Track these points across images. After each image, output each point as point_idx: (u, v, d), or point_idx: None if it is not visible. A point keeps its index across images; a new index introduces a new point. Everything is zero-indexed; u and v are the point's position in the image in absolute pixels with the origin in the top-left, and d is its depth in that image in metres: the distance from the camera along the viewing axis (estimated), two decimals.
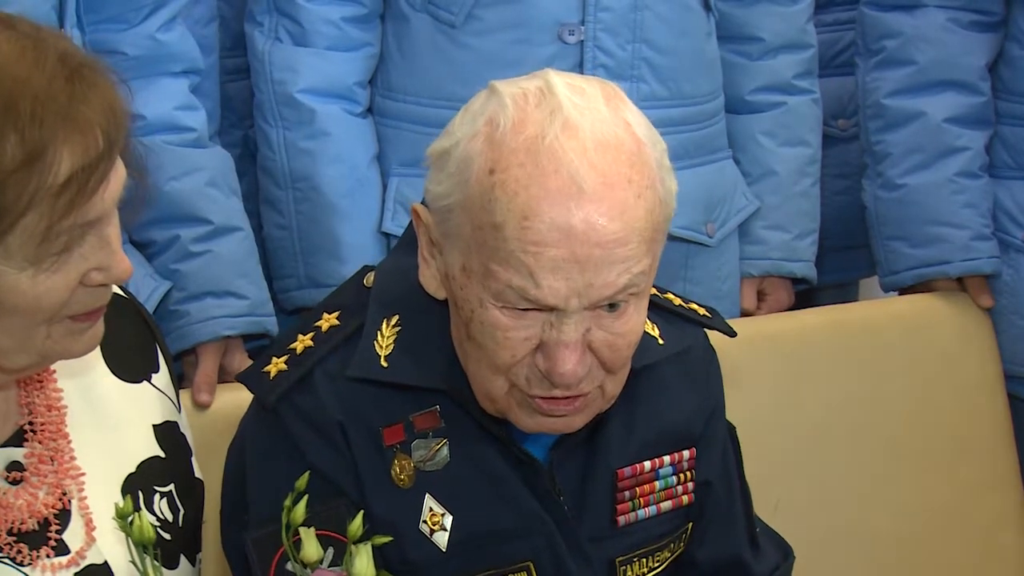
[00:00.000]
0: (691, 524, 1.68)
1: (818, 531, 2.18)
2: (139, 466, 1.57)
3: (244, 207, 2.10)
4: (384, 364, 1.55)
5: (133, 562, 1.42)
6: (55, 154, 1.31)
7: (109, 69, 1.38)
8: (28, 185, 1.30)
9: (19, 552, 1.45)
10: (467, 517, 1.56)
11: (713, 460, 1.68)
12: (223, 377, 2.01)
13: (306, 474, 1.44)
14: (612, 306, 1.45)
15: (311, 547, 1.42)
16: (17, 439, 1.49)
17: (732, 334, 1.71)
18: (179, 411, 1.66)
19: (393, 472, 1.55)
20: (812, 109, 2.37)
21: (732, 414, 1.74)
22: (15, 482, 1.48)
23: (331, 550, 1.46)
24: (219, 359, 2.01)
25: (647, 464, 1.62)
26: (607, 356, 1.47)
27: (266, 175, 2.19)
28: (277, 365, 1.57)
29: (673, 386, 1.64)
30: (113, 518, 1.43)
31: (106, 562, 1.49)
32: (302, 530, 1.42)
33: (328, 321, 1.59)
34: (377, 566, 1.41)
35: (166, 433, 1.61)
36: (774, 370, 2.23)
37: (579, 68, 2.11)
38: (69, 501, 1.49)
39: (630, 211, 1.42)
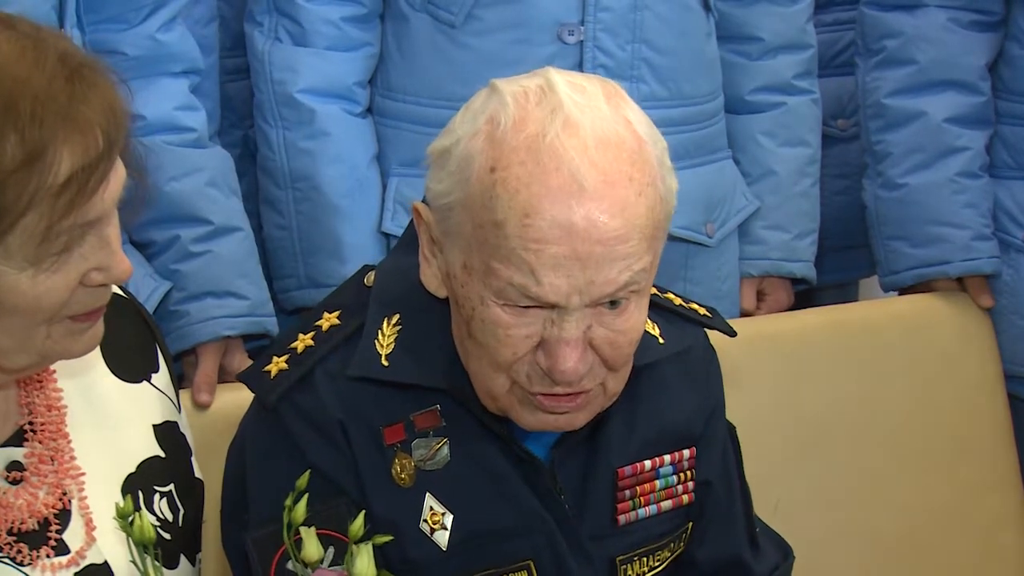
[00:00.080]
0: (691, 524, 1.68)
1: (818, 531, 2.18)
2: (139, 466, 1.57)
3: (244, 207, 2.10)
4: (385, 363, 1.55)
5: (133, 562, 1.42)
6: (55, 154, 1.31)
7: (109, 69, 1.38)
8: (28, 185, 1.30)
9: (19, 552, 1.45)
10: (468, 516, 1.56)
11: (713, 460, 1.68)
12: (223, 377, 2.01)
13: (307, 473, 1.44)
14: (613, 303, 1.45)
15: (312, 547, 1.42)
16: (17, 439, 1.49)
17: (732, 334, 1.71)
18: (179, 411, 1.66)
19: (394, 471, 1.55)
20: (812, 109, 2.37)
21: (732, 414, 1.74)
22: (15, 482, 1.48)
23: (331, 549, 1.46)
24: (219, 359, 2.01)
25: (647, 463, 1.62)
26: (608, 353, 1.47)
27: (266, 175, 2.19)
28: (278, 364, 1.57)
29: (673, 385, 1.65)
30: (113, 518, 1.42)
31: (106, 562, 1.50)
32: (303, 530, 1.42)
33: (329, 320, 1.60)
34: (378, 565, 1.41)
35: (166, 433, 1.61)
36: (774, 370, 2.23)
37: (579, 68, 2.11)
38: (69, 501, 1.49)
39: (631, 208, 1.42)
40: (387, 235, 2.17)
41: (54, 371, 1.53)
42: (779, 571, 1.74)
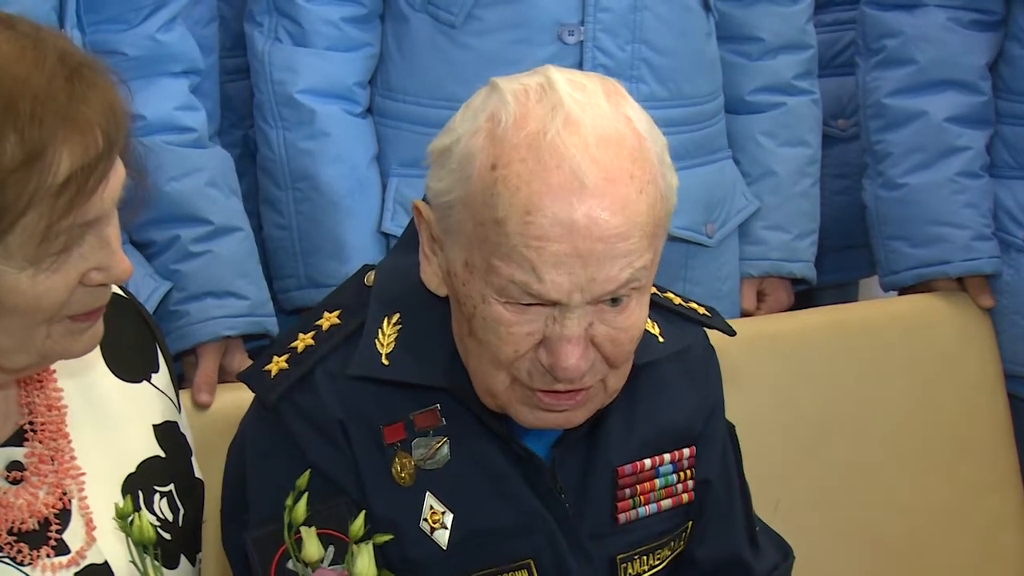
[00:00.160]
0: (691, 523, 1.68)
1: (818, 531, 2.18)
2: (139, 466, 1.57)
3: (244, 207, 2.10)
4: (385, 362, 1.55)
5: (133, 562, 1.42)
6: (55, 154, 1.31)
7: (109, 69, 1.38)
8: (28, 185, 1.30)
9: (19, 552, 1.45)
10: (468, 515, 1.56)
11: (713, 459, 1.68)
12: (223, 377, 2.01)
13: (307, 473, 1.44)
14: (614, 301, 1.45)
15: (312, 546, 1.42)
16: (17, 439, 1.49)
17: (732, 333, 1.71)
18: (179, 411, 1.66)
19: (394, 470, 1.55)
20: (812, 109, 2.37)
21: (732, 414, 1.74)
22: (15, 482, 1.48)
23: (332, 549, 1.46)
24: (219, 359, 2.01)
25: (647, 462, 1.62)
26: (610, 350, 1.48)
27: (266, 175, 2.19)
28: (278, 364, 1.58)
29: (673, 384, 1.65)
30: (113, 518, 1.42)
31: (106, 562, 1.50)
32: (303, 529, 1.42)
33: (329, 320, 1.60)
34: (378, 564, 1.41)
35: (166, 433, 1.61)
36: (774, 370, 2.23)
37: (579, 68, 2.09)
38: (69, 501, 1.49)
39: (632, 206, 1.42)
40: (387, 235, 2.17)
41: (54, 371, 1.53)
42: (779, 571, 1.74)
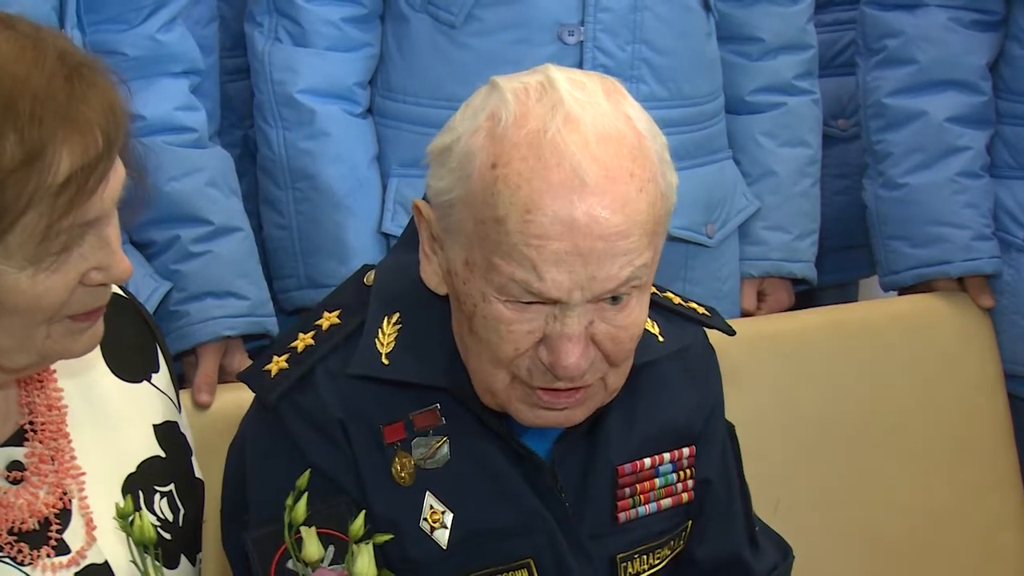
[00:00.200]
0: (691, 522, 1.68)
1: (818, 531, 2.18)
2: (139, 466, 1.57)
3: (244, 207, 2.10)
4: (385, 362, 1.55)
5: (134, 562, 1.42)
6: (54, 153, 1.31)
7: (108, 69, 1.38)
8: (28, 184, 1.30)
9: (20, 551, 1.45)
10: (468, 514, 1.56)
11: (712, 458, 1.68)
12: (223, 377, 2.01)
13: (307, 473, 1.44)
14: (615, 299, 1.46)
15: (312, 546, 1.42)
16: (17, 439, 1.49)
17: (731, 333, 1.71)
18: (179, 411, 1.66)
19: (394, 470, 1.56)
20: (812, 110, 2.37)
21: (732, 414, 1.74)
22: (16, 481, 1.48)
23: (332, 548, 1.46)
24: (219, 359, 2.01)
25: (647, 461, 1.63)
26: (610, 349, 1.48)
27: (266, 175, 2.19)
28: (278, 364, 1.58)
29: (673, 383, 1.65)
30: (114, 518, 1.42)
31: (106, 562, 1.50)
32: (303, 529, 1.42)
33: (329, 320, 1.60)
34: (378, 564, 1.41)
35: (166, 433, 1.61)
36: (774, 370, 2.23)
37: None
38: (70, 501, 1.50)
39: (632, 204, 1.42)
40: (387, 235, 2.17)
41: (54, 371, 1.53)
42: (778, 570, 1.74)
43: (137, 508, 1.48)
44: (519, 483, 1.57)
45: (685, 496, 1.66)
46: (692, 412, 1.66)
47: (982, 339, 2.30)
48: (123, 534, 1.42)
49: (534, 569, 1.58)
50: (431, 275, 1.53)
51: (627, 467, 1.61)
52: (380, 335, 1.56)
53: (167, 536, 1.56)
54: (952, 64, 2.28)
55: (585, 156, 1.41)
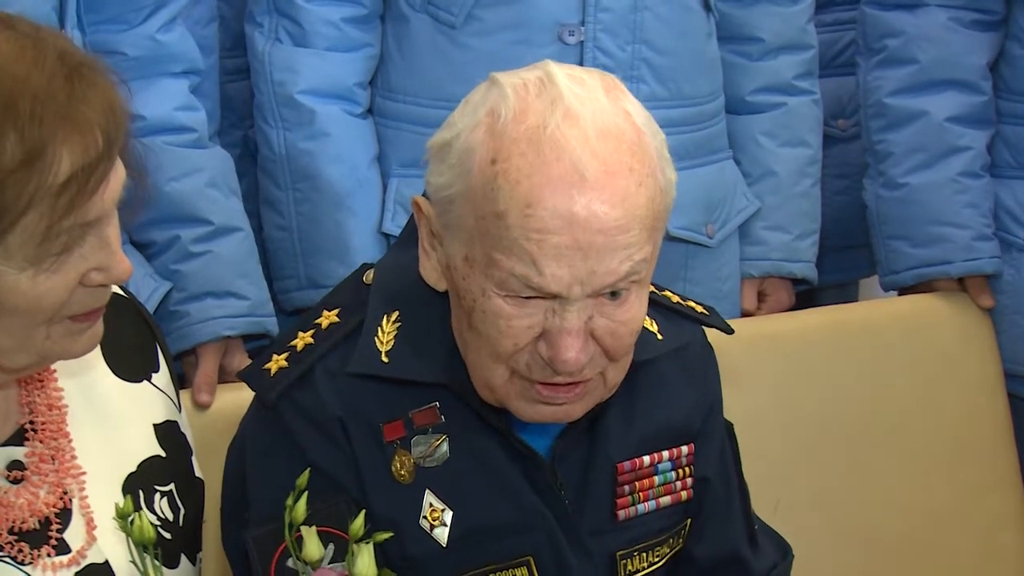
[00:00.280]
0: (690, 520, 1.68)
1: (818, 531, 2.18)
2: (140, 465, 1.57)
3: (244, 207, 2.10)
4: (385, 359, 1.55)
5: (134, 561, 1.42)
6: (55, 154, 1.31)
7: (108, 69, 1.38)
8: (28, 185, 1.30)
9: (20, 551, 1.45)
10: (467, 512, 1.56)
11: (711, 456, 1.69)
12: (223, 377, 2.01)
13: (307, 472, 1.44)
14: (614, 294, 1.46)
15: (312, 546, 1.42)
16: (18, 438, 1.50)
17: (729, 331, 1.71)
18: (179, 411, 1.66)
19: (393, 468, 1.56)
20: (812, 110, 2.37)
21: (732, 414, 1.74)
22: (16, 481, 1.48)
23: (331, 546, 1.46)
24: (219, 359, 2.01)
25: (646, 459, 1.63)
26: (610, 344, 1.48)
27: (266, 176, 2.19)
28: (277, 362, 1.58)
29: (672, 381, 1.65)
30: (113, 518, 1.43)
31: (107, 561, 1.50)
32: (304, 529, 1.42)
33: (328, 319, 1.60)
34: (378, 563, 1.41)
35: (166, 432, 1.61)
36: (774, 370, 2.23)
37: None
38: (70, 500, 1.50)
39: (631, 198, 1.43)
40: (387, 236, 2.17)
41: (55, 370, 1.54)
42: (778, 569, 1.74)
43: (137, 507, 1.48)
44: (519, 480, 1.57)
45: (684, 494, 1.66)
46: (691, 410, 1.66)
47: (982, 339, 2.30)
48: (123, 534, 1.42)
49: (534, 567, 1.58)
50: (430, 271, 1.54)
51: (626, 464, 1.61)
52: (379, 333, 1.56)
53: (167, 536, 1.56)
54: (953, 64, 2.28)
55: (585, 151, 1.41)
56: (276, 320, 2.08)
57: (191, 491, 1.62)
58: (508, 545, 1.58)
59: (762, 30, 2.32)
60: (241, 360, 2.03)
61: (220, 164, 2.07)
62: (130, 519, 1.40)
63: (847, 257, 2.62)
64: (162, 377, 1.64)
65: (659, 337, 1.64)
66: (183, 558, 1.59)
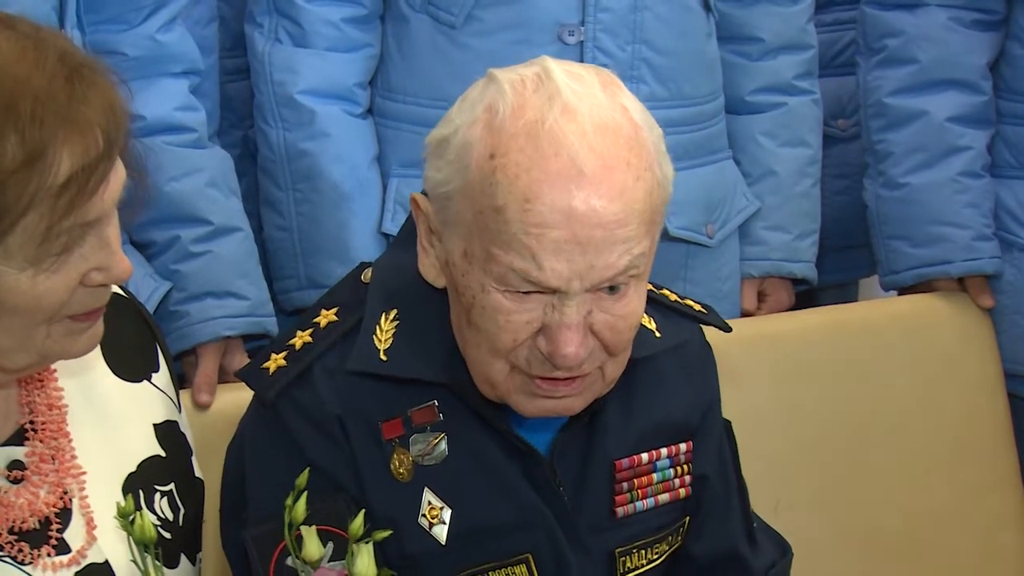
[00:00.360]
0: (688, 518, 1.69)
1: (818, 531, 2.18)
2: (140, 465, 1.57)
3: (244, 207, 2.10)
4: (383, 358, 1.55)
5: (134, 561, 1.42)
6: (55, 154, 1.31)
7: (109, 69, 1.38)
8: (28, 185, 1.30)
9: (20, 551, 1.45)
10: (466, 510, 1.56)
11: (709, 454, 1.69)
12: (223, 377, 2.01)
13: (306, 471, 1.44)
14: (613, 288, 1.46)
15: (312, 545, 1.42)
16: (18, 438, 1.50)
17: (727, 329, 1.72)
18: (179, 410, 1.66)
19: (392, 466, 1.56)
20: (812, 110, 2.37)
21: (732, 414, 1.74)
22: (16, 481, 1.48)
23: (330, 545, 1.47)
24: (219, 359, 2.01)
25: (644, 456, 1.63)
26: (609, 338, 1.48)
27: (266, 176, 2.19)
28: (276, 361, 1.58)
29: (670, 379, 1.65)
30: (114, 517, 1.43)
31: (107, 561, 1.50)
32: (303, 529, 1.42)
33: (326, 317, 1.60)
34: (377, 561, 1.41)
35: (166, 432, 1.62)
36: (774, 370, 2.23)
37: None
38: (70, 500, 1.50)
39: (629, 193, 1.43)
40: (387, 236, 2.17)
41: (55, 370, 1.54)
42: (777, 568, 1.74)
43: (137, 507, 1.48)
44: (517, 478, 1.58)
45: (682, 492, 1.66)
46: (689, 408, 1.67)
47: (982, 339, 2.30)
48: (123, 533, 1.42)
49: (533, 564, 1.58)
50: (429, 268, 1.54)
51: (624, 462, 1.62)
52: (378, 331, 1.57)
53: (167, 535, 1.56)
54: (953, 64, 2.28)
55: (583, 146, 1.42)
56: (276, 320, 2.08)
57: (191, 491, 1.62)
58: (507, 543, 1.58)
59: (762, 30, 2.32)
60: (241, 360, 2.03)
61: (220, 164, 2.07)
62: (131, 518, 1.40)
63: (847, 257, 2.62)
64: (162, 377, 1.64)
65: (657, 335, 1.64)
66: (183, 558, 1.59)
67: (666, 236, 2.18)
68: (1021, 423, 2.32)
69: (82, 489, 1.51)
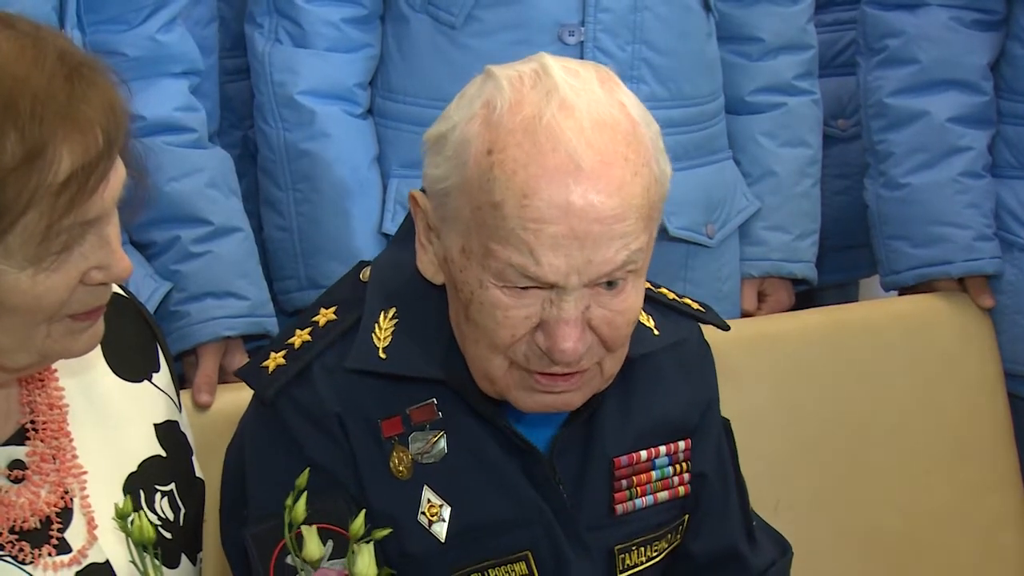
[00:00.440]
0: (687, 516, 1.69)
1: (818, 531, 2.18)
2: (140, 465, 1.57)
3: (244, 207, 2.10)
4: (382, 356, 1.56)
5: (134, 561, 1.42)
6: (55, 152, 1.31)
7: (108, 68, 1.38)
8: (28, 183, 1.30)
9: (21, 550, 1.46)
10: (465, 508, 1.56)
11: (708, 452, 1.69)
12: (223, 377, 2.01)
13: (306, 470, 1.44)
14: (611, 284, 1.47)
15: (313, 545, 1.42)
16: (19, 438, 1.50)
17: (725, 328, 1.72)
18: (180, 410, 1.66)
19: (391, 464, 1.56)
20: (812, 110, 2.37)
21: (732, 414, 1.75)
22: (17, 480, 1.48)
23: (330, 543, 1.47)
24: (219, 359, 2.01)
25: (643, 453, 1.63)
26: (607, 333, 1.49)
27: (266, 176, 2.19)
28: (275, 360, 1.58)
29: (669, 377, 1.66)
30: (113, 518, 1.43)
31: (107, 561, 1.50)
32: (304, 528, 1.42)
33: (325, 316, 1.60)
34: (376, 559, 1.41)
35: (167, 432, 1.62)
36: (774, 370, 2.23)
37: None
38: (71, 500, 1.50)
39: (627, 188, 1.43)
40: (388, 236, 2.17)
41: (55, 370, 1.54)
42: (777, 566, 1.75)
43: (138, 507, 1.49)
44: (517, 475, 1.58)
45: (681, 490, 1.66)
46: (687, 406, 1.67)
47: (982, 339, 2.30)
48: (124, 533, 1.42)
49: (532, 562, 1.59)
50: (427, 264, 1.54)
51: (623, 459, 1.62)
52: (377, 330, 1.57)
53: (168, 535, 1.56)
54: (953, 64, 2.28)
55: (580, 141, 1.42)
56: (276, 320, 2.08)
57: (191, 491, 1.62)
58: (506, 540, 1.58)
59: (762, 30, 2.32)
60: (241, 360, 2.02)
61: (220, 164, 2.07)
62: (130, 519, 1.40)
63: (847, 257, 2.62)
64: (163, 377, 1.64)
65: (656, 333, 1.64)
66: (183, 558, 1.59)
67: (666, 236, 2.18)
68: (1021, 423, 2.32)
69: (83, 489, 1.51)
